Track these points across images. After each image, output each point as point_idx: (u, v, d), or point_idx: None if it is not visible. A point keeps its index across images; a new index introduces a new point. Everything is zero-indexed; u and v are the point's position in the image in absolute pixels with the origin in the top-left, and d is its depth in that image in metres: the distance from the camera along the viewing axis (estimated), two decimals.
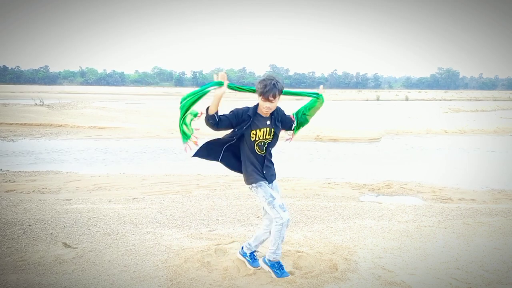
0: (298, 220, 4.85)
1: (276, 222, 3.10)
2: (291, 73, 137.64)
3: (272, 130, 3.16)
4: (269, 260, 3.25)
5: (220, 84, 2.93)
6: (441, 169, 9.33)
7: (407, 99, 50.36)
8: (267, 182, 3.20)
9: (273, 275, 3.22)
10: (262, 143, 3.16)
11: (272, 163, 3.30)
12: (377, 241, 4.13)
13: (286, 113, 3.35)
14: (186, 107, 3.00)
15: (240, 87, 3.18)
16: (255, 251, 3.47)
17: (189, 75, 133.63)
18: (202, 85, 3.12)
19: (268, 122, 3.14)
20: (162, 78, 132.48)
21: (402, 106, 35.04)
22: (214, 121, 2.90)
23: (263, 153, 3.19)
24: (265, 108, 3.03)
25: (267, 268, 3.28)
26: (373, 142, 13.52)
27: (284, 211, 3.08)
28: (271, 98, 2.95)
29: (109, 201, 5.65)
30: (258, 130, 3.10)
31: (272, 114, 3.15)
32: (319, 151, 11.50)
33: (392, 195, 6.64)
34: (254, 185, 3.15)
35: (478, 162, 10.28)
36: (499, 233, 4.47)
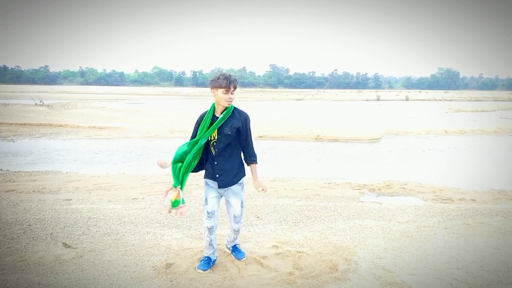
0: (298, 221, 4.85)
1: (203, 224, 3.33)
2: (291, 73, 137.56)
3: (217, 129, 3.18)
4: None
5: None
6: (442, 169, 9.33)
7: (407, 99, 50.36)
8: (217, 186, 3.23)
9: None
10: (214, 143, 3.20)
11: (230, 167, 3.21)
12: (377, 242, 4.12)
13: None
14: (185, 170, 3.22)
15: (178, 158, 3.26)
16: (236, 244, 3.64)
17: (189, 75, 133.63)
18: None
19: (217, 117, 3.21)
20: (162, 78, 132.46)
21: (403, 106, 35.03)
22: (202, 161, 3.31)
23: (214, 153, 3.21)
24: (227, 100, 3.12)
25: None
26: (373, 142, 13.51)
27: (207, 219, 3.27)
28: (233, 88, 3.10)
29: (109, 201, 5.64)
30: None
31: (233, 116, 3.18)
32: (319, 151, 11.50)
33: (393, 196, 6.64)
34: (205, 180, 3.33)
35: (478, 162, 10.27)
36: (499, 233, 4.47)
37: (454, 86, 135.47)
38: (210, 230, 3.31)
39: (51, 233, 4.15)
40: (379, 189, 7.00)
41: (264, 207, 5.36)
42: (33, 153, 10.36)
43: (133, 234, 4.20)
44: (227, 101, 3.13)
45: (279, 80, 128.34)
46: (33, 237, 4.02)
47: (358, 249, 3.88)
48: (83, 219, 4.65)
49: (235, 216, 3.34)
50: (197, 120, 3.30)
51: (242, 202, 3.34)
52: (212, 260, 3.42)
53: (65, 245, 3.84)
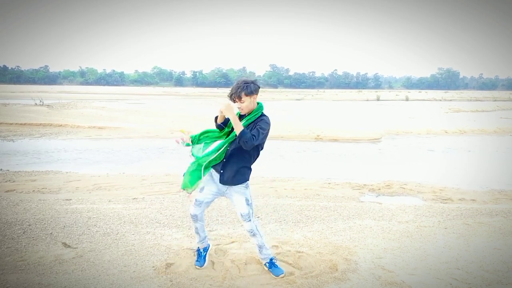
0: (298, 220, 4.85)
1: None
2: (291, 73, 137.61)
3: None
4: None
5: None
6: (441, 169, 9.33)
7: (407, 99, 50.36)
8: (219, 181, 3.22)
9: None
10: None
11: (237, 166, 3.18)
12: (377, 241, 4.12)
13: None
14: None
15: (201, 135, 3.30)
16: (272, 257, 3.40)
17: (189, 75, 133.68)
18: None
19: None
20: (162, 78, 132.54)
21: (403, 106, 35.03)
22: (221, 127, 3.25)
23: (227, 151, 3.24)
24: (237, 108, 3.17)
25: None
26: (373, 142, 13.51)
27: (193, 206, 3.32)
28: (236, 100, 3.11)
29: (109, 201, 5.64)
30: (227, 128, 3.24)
31: (251, 120, 3.17)
32: (319, 151, 11.50)
33: (392, 195, 6.64)
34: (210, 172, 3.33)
35: (478, 162, 10.27)
36: (499, 233, 4.47)
37: (454, 86, 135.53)
38: (194, 217, 3.33)
39: (51, 233, 4.15)
40: (379, 189, 7.00)
41: (264, 207, 5.36)
42: (33, 153, 10.35)
43: (133, 234, 4.20)
44: (239, 109, 3.17)
45: (279, 80, 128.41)
46: (33, 237, 4.02)
47: (358, 249, 3.88)
48: (83, 219, 4.65)
49: (241, 215, 3.23)
50: None
51: (247, 200, 3.23)
52: (202, 249, 3.46)
53: (65, 245, 3.84)
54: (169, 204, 5.44)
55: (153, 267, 3.40)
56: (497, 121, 21.20)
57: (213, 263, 3.49)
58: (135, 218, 4.74)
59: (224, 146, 3.17)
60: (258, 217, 4.94)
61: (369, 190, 6.91)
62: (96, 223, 4.50)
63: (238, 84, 3.11)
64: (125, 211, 5.04)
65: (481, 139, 14.74)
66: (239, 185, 3.23)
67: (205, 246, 3.49)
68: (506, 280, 3.31)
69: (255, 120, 3.15)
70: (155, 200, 5.68)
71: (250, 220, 3.25)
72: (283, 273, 3.27)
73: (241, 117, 3.21)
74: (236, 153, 3.17)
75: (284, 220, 4.85)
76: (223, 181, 3.21)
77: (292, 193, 6.51)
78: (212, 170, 3.27)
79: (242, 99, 3.08)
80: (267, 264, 3.35)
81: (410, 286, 3.15)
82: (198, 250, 3.49)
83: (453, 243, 4.13)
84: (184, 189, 3.27)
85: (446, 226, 4.69)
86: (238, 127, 2.99)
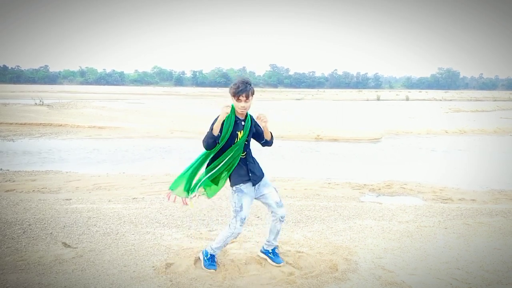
0: (298, 220, 4.84)
1: (229, 227, 3.30)
2: (291, 72, 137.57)
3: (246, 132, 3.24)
4: (206, 251, 3.42)
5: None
6: (442, 169, 9.33)
7: (407, 99, 50.35)
8: (250, 184, 3.27)
9: (201, 262, 3.40)
10: (243, 145, 3.25)
11: (256, 163, 3.39)
12: (377, 242, 4.12)
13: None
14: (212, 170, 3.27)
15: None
16: (276, 247, 3.55)
17: (189, 74, 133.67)
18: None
19: (244, 123, 3.23)
20: (162, 77, 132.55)
21: (403, 106, 35.03)
22: (218, 139, 3.13)
23: (243, 154, 3.28)
24: (241, 108, 3.14)
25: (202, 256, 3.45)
26: (373, 142, 13.51)
27: (241, 225, 3.27)
28: (245, 98, 3.09)
29: (109, 201, 5.64)
30: (239, 132, 3.23)
31: (250, 119, 3.26)
32: (319, 151, 11.50)
33: (393, 195, 6.64)
34: (233, 188, 3.28)
35: (478, 162, 10.27)
36: (499, 233, 4.46)
37: (454, 86, 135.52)
38: (237, 235, 3.36)
39: (51, 233, 4.14)
40: (379, 189, 6.99)
41: (264, 207, 5.34)
42: (33, 152, 10.35)
43: (133, 234, 4.19)
44: (240, 110, 3.15)
45: (279, 80, 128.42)
46: (33, 237, 4.02)
47: (358, 249, 3.88)
48: (83, 218, 4.65)
49: (277, 203, 3.35)
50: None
51: (275, 188, 3.43)
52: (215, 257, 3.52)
53: (65, 244, 3.84)
54: (169, 204, 5.43)
55: (153, 267, 3.40)
56: (497, 121, 21.20)
57: None
58: (135, 218, 4.74)
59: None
60: (258, 217, 4.94)
61: (369, 190, 6.91)
62: (96, 223, 4.50)
63: (244, 83, 3.08)
64: (125, 211, 5.04)
65: (481, 139, 14.74)
66: (264, 178, 3.40)
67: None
68: (506, 280, 3.31)
69: (252, 119, 3.31)
70: (155, 200, 5.68)
71: (283, 206, 3.43)
72: (282, 262, 3.45)
73: (240, 120, 3.20)
74: (248, 152, 3.33)
75: (284, 220, 4.84)
76: (257, 180, 3.32)
77: (292, 193, 6.50)
78: (238, 185, 3.24)
79: (249, 98, 3.11)
80: (271, 251, 3.51)
81: (410, 286, 3.15)
82: (214, 257, 3.45)
83: (453, 243, 4.13)
84: (173, 190, 3.30)
85: (446, 226, 4.69)
86: (268, 132, 3.32)
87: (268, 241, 3.52)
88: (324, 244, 3.99)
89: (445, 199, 6.32)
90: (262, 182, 3.37)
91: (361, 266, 3.48)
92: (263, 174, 3.40)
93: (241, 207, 3.24)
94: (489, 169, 9.43)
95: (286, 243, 3.99)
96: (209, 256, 3.40)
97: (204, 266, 3.35)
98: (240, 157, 3.25)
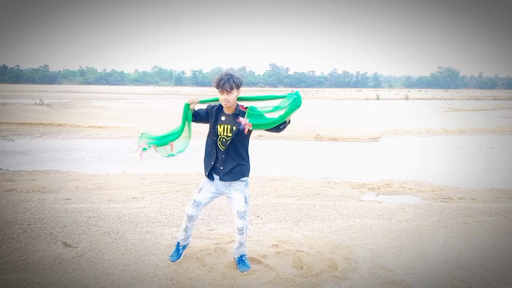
0: (298, 219, 4.85)
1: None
2: (291, 72, 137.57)
3: (229, 127, 3.19)
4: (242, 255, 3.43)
5: (187, 104, 3.35)
6: (441, 168, 9.33)
7: (407, 98, 50.36)
8: (218, 178, 3.26)
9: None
10: (223, 139, 3.21)
11: (236, 164, 3.22)
12: (377, 240, 4.13)
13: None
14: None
15: (210, 100, 3.39)
16: (242, 255, 3.46)
17: (188, 74, 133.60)
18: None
19: (223, 118, 3.21)
20: (162, 77, 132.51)
21: (402, 105, 35.04)
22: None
23: (223, 149, 3.22)
24: (223, 101, 3.13)
25: None
26: (373, 141, 13.51)
27: (191, 206, 3.33)
28: (228, 90, 3.07)
29: (109, 200, 5.65)
30: (219, 126, 3.22)
31: (236, 113, 3.19)
32: (319, 151, 11.50)
33: (392, 194, 6.64)
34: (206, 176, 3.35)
35: (478, 161, 10.28)
36: (499, 232, 4.47)
37: (454, 85, 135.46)
38: (190, 218, 3.36)
39: (51, 233, 4.15)
40: (379, 188, 7.00)
41: (264, 206, 5.36)
42: (33, 152, 10.35)
43: (133, 233, 4.20)
44: (223, 103, 3.15)
45: (279, 79, 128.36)
46: (33, 237, 4.02)
47: (358, 248, 3.89)
48: (83, 218, 4.65)
49: (238, 212, 3.26)
50: (208, 106, 3.35)
51: (245, 198, 3.28)
52: (182, 246, 3.51)
53: (65, 244, 3.84)
54: (169, 203, 5.44)
55: (153, 266, 3.41)
56: (497, 120, 21.21)
57: (213, 262, 3.49)
58: (135, 218, 4.74)
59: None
60: (258, 216, 4.95)
61: (369, 189, 6.91)
62: (96, 223, 4.50)
63: (227, 75, 3.09)
64: (125, 210, 5.05)
65: (481, 138, 14.74)
66: (239, 183, 3.26)
67: (187, 243, 3.56)
68: (506, 279, 3.31)
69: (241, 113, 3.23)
70: (155, 200, 5.68)
71: (244, 218, 3.31)
72: (248, 269, 3.34)
73: (240, 113, 3.18)
74: (234, 149, 3.22)
75: (284, 219, 4.85)
76: (223, 177, 3.23)
77: (292, 192, 6.51)
78: (211, 170, 3.27)
79: (232, 90, 3.09)
80: (237, 259, 3.43)
81: (410, 285, 3.16)
82: (178, 245, 3.51)
83: (453, 242, 4.13)
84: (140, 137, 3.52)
85: (446, 225, 4.70)
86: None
87: (234, 247, 3.49)
88: (323, 243, 3.99)
89: (445, 198, 6.32)
90: (235, 184, 3.25)
91: (360, 265, 3.49)
92: (239, 177, 3.24)
93: (200, 189, 3.35)
94: (489, 168, 9.44)
95: (286, 242, 4.00)
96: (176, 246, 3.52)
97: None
98: (220, 151, 3.22)
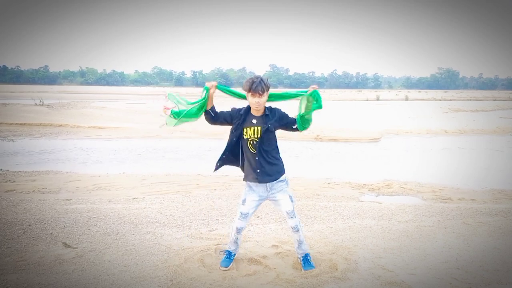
0: None
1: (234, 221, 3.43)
2: (291, 73, 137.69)
3: (259, 128, 3.21)
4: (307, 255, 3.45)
5: (207, 88, 3.27)
6: (441, 169, 9.33)
7: (407, 99, 50.34)
8: (258, 182, 3.25)
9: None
10: (254, 142, 3.23)
11: (270, 163, 3.27)
12: (377, 241, 4.13)
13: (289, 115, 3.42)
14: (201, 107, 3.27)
15: (228, 90, 3.41)
16: (306, 254, 3.47)
17: (188, 75, 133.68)
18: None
19: (255, 121, 3.23)
20: (162, 78, 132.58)
21: (402, 106, 35.03)
22: (210, 115, 3.30)
23: (254, 151, 3.24)
24: (255, 104, 3.16)
25: None
26: (373, 142, 13.51)
27: (239, 219, 3.33)
28: (260, 92, 3.11)
29: (109, 201, 5.65)
30: (248, 129, 3.23)
31: (266, 114, 3.25)
32: (319, 151, 11.50)
33: (392, 195, 6.64)
34: (245, 182, 3.36)
35: (478, 162, 10.28)
36: (499, 233, 4.47)
37: (454, 86, 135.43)
38: (239, 230, 3.37)
39: (51, 233, 4.15)
40: (379, 188, 7.00)
41: (264, 207, 5.36)
42: (33, 153, 10.36)
43: (133, 234, 4.20)
44: (255, 106, 3.19)
45: (279, 80, 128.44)
46: (33, 237, 4.02)
47: (358, 249, 3.89)
48: (83, 219, 4.65)
49: (287, 213, 3.31)
50: (233, 109, 3.33)
51: (290, 197, 3.35)
52: (233, 254, 3.49)
53: (65, 245, 3.84)
54: (169, 204, 5.44)
55: (153, 267, 3.41)
56: (497, 120, 21.21)
57: (213, 263, 3.49)
58: (135, 218, 4.74)
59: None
60: (258, 217, 4.95)
61: (368, 190, 6.91)
62: (96, 223, 4.50)
63: (258, 77, 3.14)
64: (125, 211, 5.05)
65: (481, 138, 14.74)
66: (280, 183, 3.31)
67: (237, 251, 3.54)
68: (506, 279, 3.31)
69: (271, 112, 3.30)
70: (155, 200, 5.68)
71: (295, 216, 3.35)
72: (313, 268, 3.35)
73: (266, 116, 3.24)
74: (265, 148, 3.26)
75: (284, 219, 4.85)
76: (264, 179, 3.25)
77: (291, 192, 6.50)
78: (248, 182, 3.31)
79: (264, 93, 3.15)
80: (301, 259, 3.43)
81: (410, 285, 3.15)
82: (230, 253, 3.47)
83: (453, 242, 4.13)
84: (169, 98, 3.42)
85: (446, 225, 4.70)
86: (209, 105, 3.27)
87: (295, 247, 3.50)
88: (324, 244, 3.99)
89: (445, 199, 6.32)
90: (277, 186, 3.30)
91: (360, 266, 3.49)
92: (278, 176, 3.30)
93: (243, 201, 3.33)
94: (489, 168, 9.44)
95: (286, 242, 4.00)
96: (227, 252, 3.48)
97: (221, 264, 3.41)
98: (251, 154, 3.24)
